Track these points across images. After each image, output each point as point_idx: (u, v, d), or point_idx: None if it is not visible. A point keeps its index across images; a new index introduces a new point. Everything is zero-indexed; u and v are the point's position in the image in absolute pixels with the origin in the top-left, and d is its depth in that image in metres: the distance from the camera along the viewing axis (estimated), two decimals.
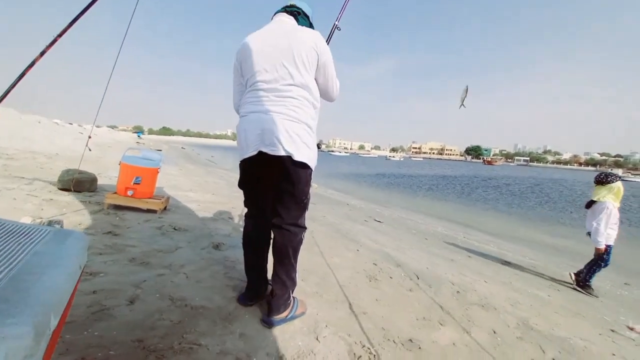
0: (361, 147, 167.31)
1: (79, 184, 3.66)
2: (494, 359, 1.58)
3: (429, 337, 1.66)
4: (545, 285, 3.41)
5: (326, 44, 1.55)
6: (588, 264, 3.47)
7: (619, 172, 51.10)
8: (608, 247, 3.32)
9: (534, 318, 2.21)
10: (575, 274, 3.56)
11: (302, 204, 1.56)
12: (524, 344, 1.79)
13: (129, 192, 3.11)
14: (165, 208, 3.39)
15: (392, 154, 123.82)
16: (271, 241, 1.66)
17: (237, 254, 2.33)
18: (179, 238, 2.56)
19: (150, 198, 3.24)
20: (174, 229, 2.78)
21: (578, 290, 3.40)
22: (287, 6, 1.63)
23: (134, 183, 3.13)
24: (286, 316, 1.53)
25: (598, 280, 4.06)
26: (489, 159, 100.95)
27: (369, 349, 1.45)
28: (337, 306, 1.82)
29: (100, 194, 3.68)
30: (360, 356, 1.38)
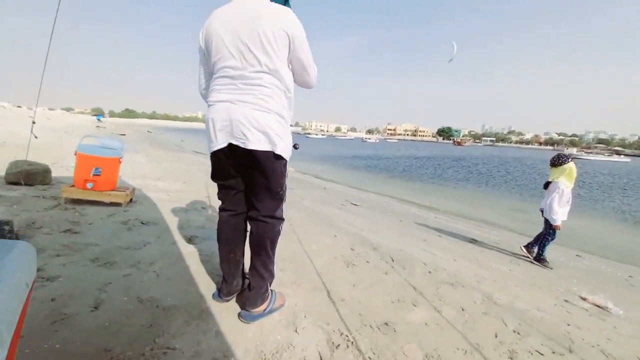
0: (337, 129, 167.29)
1: (29, 176, 3.32)
2: (462, 334, 1.69)
3: (404, 319, 1.73)
4: (507, 260, 3.69)
5: (299, 22, 1.38)
6: (537, 238, 3.79)
7: (574, 150, 55.57)
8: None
9: (497, 293, 2.38)
10: (525, 247, 3.88)
11: (278, 196, 1.51)
12: (488, 319, 1.93)
13: (89, 185, 2.88)
14: (130, 200, 3.19)
15: (368, 135, 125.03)
16: (248, 233, 1.61)
17: (212, 247, 2.26)
18: (147, 233, 2.42)
19: (113, 190, 3.02)
20: (141, 222, 2.63)
21: (535, 264, 3.72)
22: None
23: (94, 175, 2.89)
24: (264, 310, 1.51)
25: (552, 253, 4.46)
26: (459, 140, 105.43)
27: (346, 336, 1.48)
28: (316, 294, 1.83)
29: (55, 187, 3.38)
30: (339, 344, 1.41)
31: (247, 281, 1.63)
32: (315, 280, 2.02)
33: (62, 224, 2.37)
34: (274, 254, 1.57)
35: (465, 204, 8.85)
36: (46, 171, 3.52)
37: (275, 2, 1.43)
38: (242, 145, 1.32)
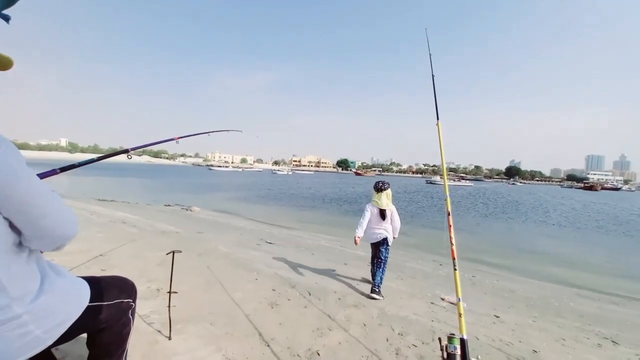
0: (244, 161, 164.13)
1: None
2: (365, 345, 2.23)
3: (323, 343, 2.16)
4: (394, 277, 4.66)
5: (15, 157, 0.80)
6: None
7: (437, 177, 70.36)
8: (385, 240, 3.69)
9: (388, 306, 3.11)
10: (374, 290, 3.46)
11: None
12: (382, 328, 2.56)
13: None
14: None
15: (277, 167, 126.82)
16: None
17: None
18: None
19: None
20: None
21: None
22: None
23: None
24: None
25: (423, 265, 5.82)
26: (359, 171, 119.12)
27: None
28: (249, 340, 2.07)
29: None
30: None
31: None
32: (246, 327, 2.25)
33: None
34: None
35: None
36: None
37: None
38: None
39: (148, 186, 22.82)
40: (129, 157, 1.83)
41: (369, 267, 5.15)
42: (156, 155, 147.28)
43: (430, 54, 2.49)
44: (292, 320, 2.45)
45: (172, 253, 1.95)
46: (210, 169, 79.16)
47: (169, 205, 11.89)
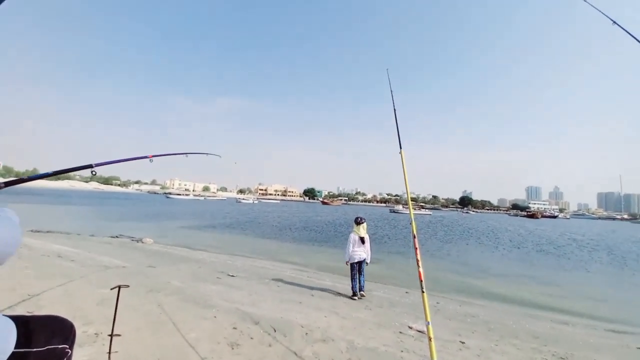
0: (206, 189, 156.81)
1: None
2: None
3: None
4: (362, 307, 4.55)
5: None
6: (356, 278, 5.07)
7: (400, 206, 73.14)
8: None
9: (356, 338, 2.99)
10: (360, 292, 5.07)
11: None
12: None
13: None
14: None
15: (242, 196, 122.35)
16: None
17: None
18: None
19: None
20: None
21: (363, 296, 5.07)
22: None
23: None
24: None
25: (389, 293, 5.80)
26: (325, 200, 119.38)
27: None
28: None
29: None
30: None
31: None
32: None
33: None
34: None
35: (331, 260, 10.06)
36: None
37: None
38: None
39: (94, 215, 20.56)
40: (93, 172, 1.62)
41: (337, 297, 5.04)
42: (107, 181, 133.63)
43: (391, 91, 2.71)
44: None
45: (117, 288, 1.71)
46: (168, 197, 74.00)
47: (116, 236, 10.75)
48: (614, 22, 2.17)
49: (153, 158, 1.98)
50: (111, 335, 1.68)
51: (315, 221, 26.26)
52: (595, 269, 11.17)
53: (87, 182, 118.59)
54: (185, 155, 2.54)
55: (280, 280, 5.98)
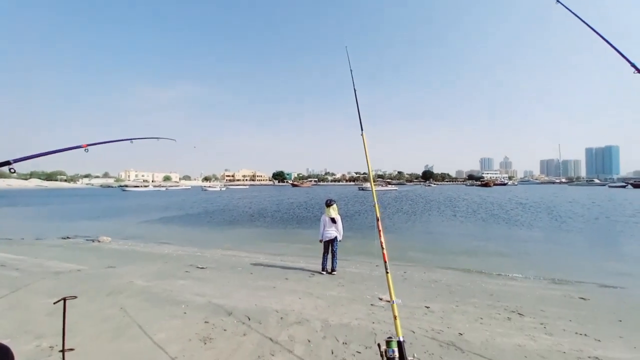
0: (167, 178, 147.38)
1: None
2: None
3: None
4: (335, 284, 4.70)
5: None
6: (328, 258, 5.55)
7: (367, 184, 75.59)
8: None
9: (331, 316, 3.08)
10: (329, 271, 5.46)
11: None
12: (326, 340, 2.51)
13: None
14: None
15: (207, 183, 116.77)
16: None
17: None
18: None
19: None
20: None
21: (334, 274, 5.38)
22: None
23: None
24: None
25: (360, 267, 6.04)
26: (295, 182, 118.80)
27: None
28: None
29: None
30: None
31: None
32: None
33: None
34: None
35: (304, 241, 10.18)
36: None
37: None
38: None
39: (37, 216, 18.51)
40: (12, 170, 1.30)
41: (311, 278, 5.14)
42: (50, 177, 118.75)
43: (351, 70, 2.64)
44: (228, 353, 2.20)
45: (62, 301, 1.54)
46: (124, 190, 68.59)
47: (67, 237, 9.82)
48: (558, 1, 2.27)
49: (88, 147, 1.71)
50: (63, 351, 1.53)
51: (287, 204, 26.22)
52: (538, 227, 12.60)
53: (26, 179, 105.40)
54: (130, 141, 2.20)
55: (254, 267, 5.93)
